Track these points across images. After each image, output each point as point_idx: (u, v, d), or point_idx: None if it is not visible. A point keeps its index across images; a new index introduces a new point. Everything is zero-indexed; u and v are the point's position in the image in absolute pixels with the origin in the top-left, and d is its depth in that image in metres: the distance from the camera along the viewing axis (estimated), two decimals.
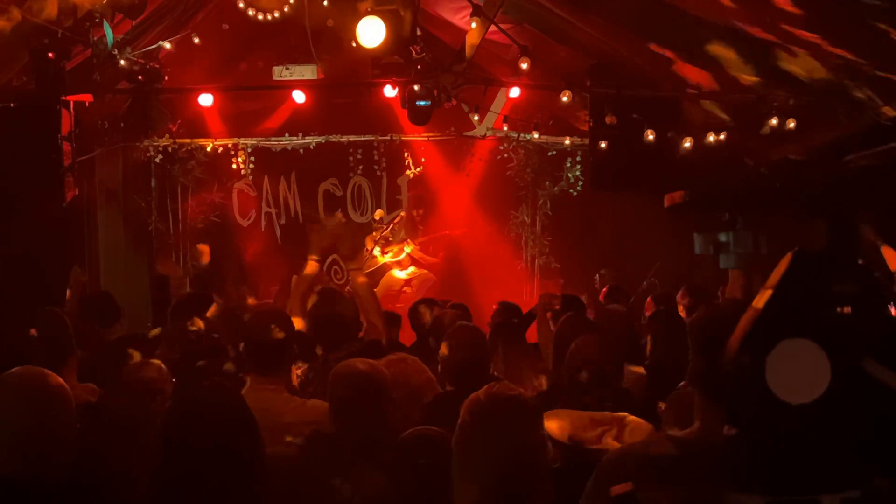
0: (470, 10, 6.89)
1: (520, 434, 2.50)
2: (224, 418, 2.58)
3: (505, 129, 10.33)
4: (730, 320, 2.22)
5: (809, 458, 1.44)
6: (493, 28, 7.15)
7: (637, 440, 3.51)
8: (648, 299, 7.50)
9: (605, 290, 7.76)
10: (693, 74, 7.45)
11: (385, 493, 3.16)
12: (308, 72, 10.35)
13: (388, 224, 12.20)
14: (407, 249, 12.12)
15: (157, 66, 9.27)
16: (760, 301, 1.51)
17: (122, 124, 10.55)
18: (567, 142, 9.16)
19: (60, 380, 2.74)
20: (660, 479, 1.61)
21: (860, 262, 1.53)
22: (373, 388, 3.45)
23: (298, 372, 4.53)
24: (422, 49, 6.92)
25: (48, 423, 2.66)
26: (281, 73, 10.36)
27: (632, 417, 3.67)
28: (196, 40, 9.66)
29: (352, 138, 11.91)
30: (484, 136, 11.15)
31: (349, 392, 3.44)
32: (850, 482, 1.44)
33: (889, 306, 4.95)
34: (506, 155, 11.89)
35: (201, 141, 11.65)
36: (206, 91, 9.59)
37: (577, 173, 11.17)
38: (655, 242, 10.11)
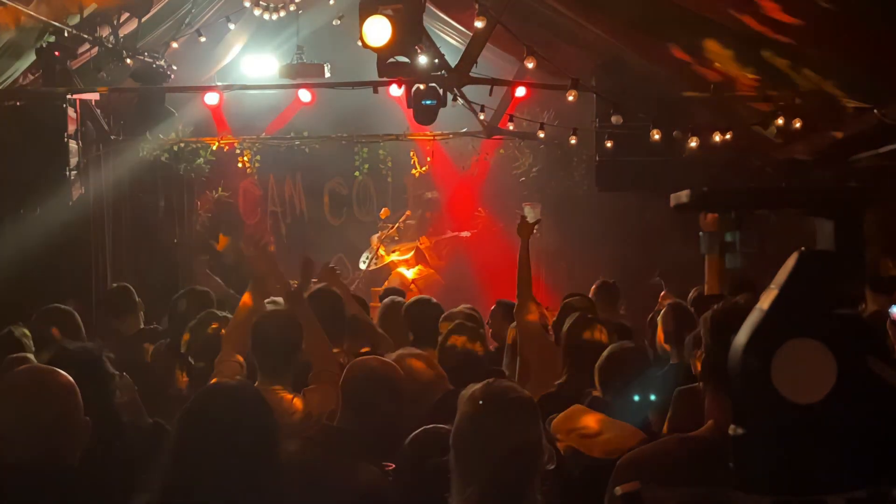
0: (476, 9, 6.89)
1: (516, 433, 2.49)
2: (244, 415, 2.61)
3: (511, 128, 10.32)
4: (744, 317, 2.22)
5: (815, 459, 1.44)
6: (498, 27, 7.15)
7: (614, 445, 3.56)
8: (662, 293, 7.45)
9: (594, 287, 7.67)
10: (701, 74, 7.45)
11: (389, 490, 3.17)
12: (314, 70, 10.36)
13: (393, 223, 12.20)
14: (418, 246, 12.13)
15: (164, 64, 9.29)
16: (766, 301, 1.51)
17: (129, 123, 10.57)
18: (573, 141, 9.18)
19: (67, 376, 2.80)
20: (670, 480, 1.61)
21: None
22: (385, 386, 3.46)
23: None
24: (427, 48, 6.92)
25: (56, 418, 2.74)
26: (287, 71, 10.38)
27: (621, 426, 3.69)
28: (202, 39, 9.69)
29: (358, 137, 11.91)
30: (489, 136, 11.15)
31: (362, 388, 3.45)
32: (855, 482, 1.44)
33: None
34: (511, 154, 11.90)
35: (207, 140, 11.66)
36: (212, 90, 9.60)
37: (583, 172, 11.16)
38: (661, 241, 10.09)
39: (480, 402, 2.53)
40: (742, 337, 1.48)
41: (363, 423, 3.37)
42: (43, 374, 2.85)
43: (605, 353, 4.12)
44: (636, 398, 4.40)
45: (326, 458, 3.29)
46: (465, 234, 12.10)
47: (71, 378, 2.81)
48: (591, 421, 3.76)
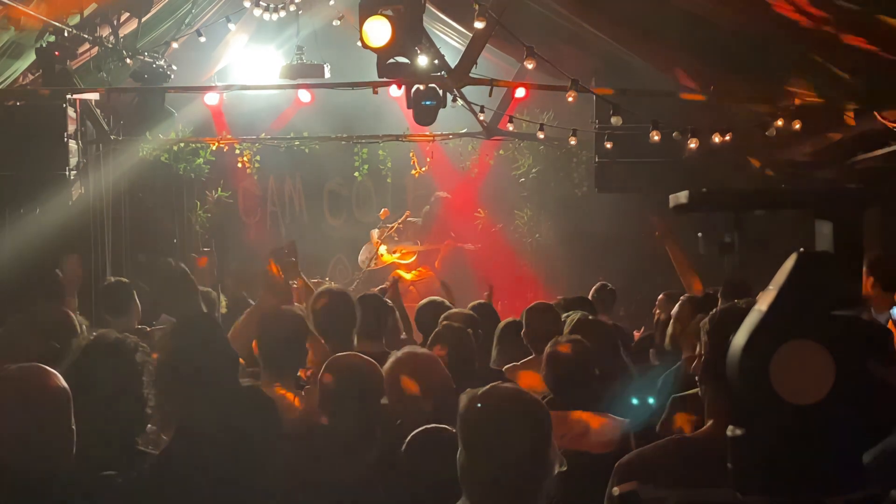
0: (476, 9, 6.88)
1: (523, 434, 2.47)
2: (250, 417, 2.64)
3: (510, 129, 10.31)
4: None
5: (813, 460, 1.44)
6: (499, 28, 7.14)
7: (606, 436, 3.60)
8: (661, 297, 7.44)
9: (593, 290, 7.67)
10: (701, 74, 7.45)
11: (372, 487, 3.18)
12: (314, 70, 10.36)
13: (392, 223, 12.18)
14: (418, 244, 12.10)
15: (164, 64, 9.29)
16: (764, 302, 1.51)
17: (129, 123, 10.58)
18: (572, 142, 9.17)
19: (59, 378, 2.77)
20: (667, 482, 1.61)
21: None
22: (362, 382, 3.45)
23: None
24: (427, 49, 6.92)
25: (46, 420, 2.70)
26: (287, 71, 10.38)
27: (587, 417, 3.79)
28: (202, 39, 9.69)
29: (357, 138, 11.89)
30: (489, 137, 11.14)
31: (338, 383, 3.46)
32: (853, 484, 1.44)
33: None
34: (511, 155, 11.90)
35: (207, 140, 11.66)
36: (212, 90, 9.60)
37: (583, 174, 11.15)
38: (660, 242, 10.09)
39: (479, 405, 2.51)
40: (741, 338, 1.48)
41: (338, 420, 3.38)
42: (28, 375, 2.78)
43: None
44: (635, 401, 4.40)
45: (308, 454, 3.29)
46: (470, 246, 11.99)
47: (60, 379, 2.80)
48: (570, 420, 3.86)
